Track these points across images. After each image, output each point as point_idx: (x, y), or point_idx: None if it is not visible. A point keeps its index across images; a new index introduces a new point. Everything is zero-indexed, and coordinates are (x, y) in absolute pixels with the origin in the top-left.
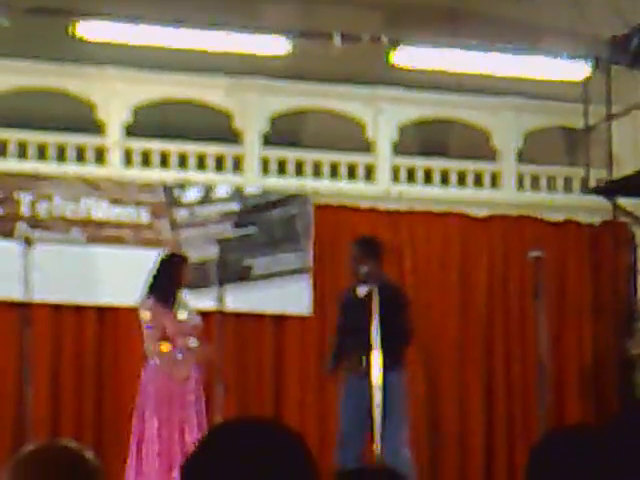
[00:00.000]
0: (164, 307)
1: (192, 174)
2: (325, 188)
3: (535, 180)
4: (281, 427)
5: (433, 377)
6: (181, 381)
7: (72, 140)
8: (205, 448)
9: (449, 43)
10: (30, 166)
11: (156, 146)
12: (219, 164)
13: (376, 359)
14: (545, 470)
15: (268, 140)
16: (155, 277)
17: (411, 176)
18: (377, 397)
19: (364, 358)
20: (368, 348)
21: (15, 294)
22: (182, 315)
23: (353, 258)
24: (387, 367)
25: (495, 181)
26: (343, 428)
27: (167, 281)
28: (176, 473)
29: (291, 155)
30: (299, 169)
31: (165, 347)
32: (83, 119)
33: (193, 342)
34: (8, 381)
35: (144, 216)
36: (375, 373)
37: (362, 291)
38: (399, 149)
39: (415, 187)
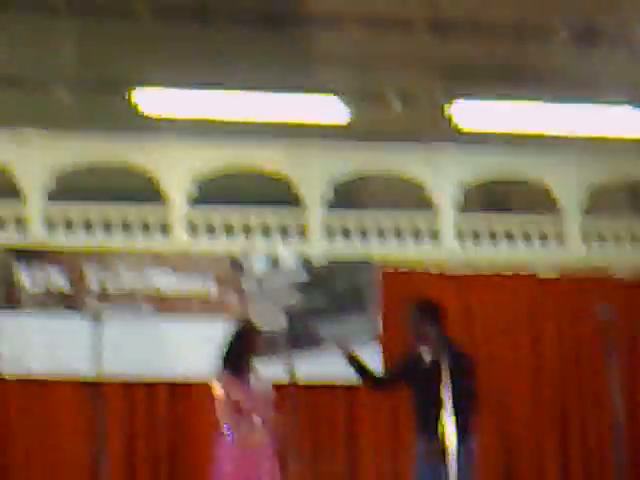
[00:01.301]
0: (238, 379)
1: (257, 242)
2: (390, 252)
3: (601, 236)
4: None
5: (507, 442)
6: (256, 450)
7: (136, 212)
8: None
9: (508, 99)
10: (96, 241)
11: (219, 215)
12: (283, 231)
13: (451, 428)
14: None
15: (330, 205)
16: (228, 349)
17: (475, 235)
18: (454, 468)
19: (438, 444)
20: (440, 423)
21: (86, 371)
22: (256, 386)
23: (413, 322)
24: (460, 436)
25: (560, 238)
26: None
27: (240, 353)
28: None
29: (354, 219)
30: (363, 233)
31: None
32: (146, 191)
33: (267, 412)
34: (82, 459)
35: (211, 287)
36: (450, 442)
37: (428, 358)
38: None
39: (480, 246)
